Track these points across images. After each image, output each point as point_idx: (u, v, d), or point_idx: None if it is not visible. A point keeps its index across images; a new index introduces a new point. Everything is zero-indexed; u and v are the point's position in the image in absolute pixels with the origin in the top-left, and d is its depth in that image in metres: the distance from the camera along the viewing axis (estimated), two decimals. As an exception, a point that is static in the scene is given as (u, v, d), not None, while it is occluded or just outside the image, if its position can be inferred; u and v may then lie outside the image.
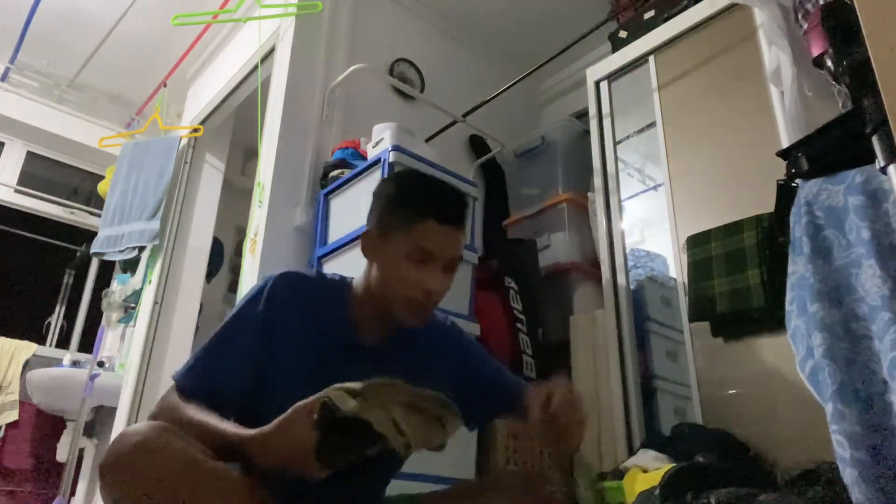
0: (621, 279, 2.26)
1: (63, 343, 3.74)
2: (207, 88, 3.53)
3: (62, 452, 3.29)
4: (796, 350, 1.31)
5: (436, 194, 1.17)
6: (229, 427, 0.98)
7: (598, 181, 2.45)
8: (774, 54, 1.78)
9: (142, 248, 3.29)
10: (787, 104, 1.70)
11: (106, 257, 3.37)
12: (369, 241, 1.19)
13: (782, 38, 1.71)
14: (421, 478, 1.64)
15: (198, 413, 1.02)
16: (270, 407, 0.97)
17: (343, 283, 1.23)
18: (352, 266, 2.14)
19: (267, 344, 1.12)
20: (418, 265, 1.12)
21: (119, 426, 2.96)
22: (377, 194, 1.23)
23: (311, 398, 0.92)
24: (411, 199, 1.16)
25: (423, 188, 1.19)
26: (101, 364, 3.32)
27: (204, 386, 1.09)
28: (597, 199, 2.44)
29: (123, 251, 3.25)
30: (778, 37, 1.72)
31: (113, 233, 3.32)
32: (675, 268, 2.10)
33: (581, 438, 1.01)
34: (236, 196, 3.85)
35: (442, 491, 1.24)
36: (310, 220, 2.45)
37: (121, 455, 0.87)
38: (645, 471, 1.63)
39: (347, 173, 2.35)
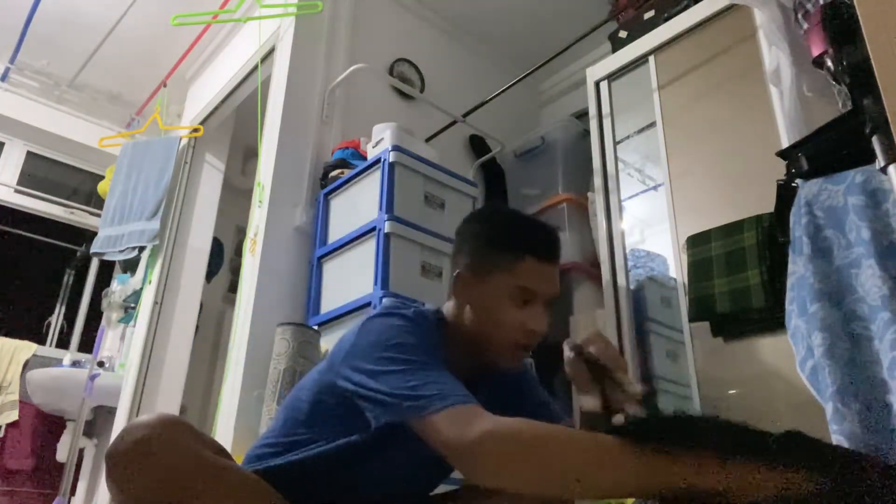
0: (621, 279, 2.26)
1: (63, 343, 3.74)
2: (207, 88, 3.53)
3: (62, 452, 3.29)
4: (796, 350, 1.31)
5: (534, 232, 1.14)
6: None
7: (598, 181, 2.45)
8: (774, 54, 1.78)
9: (142, 248, 3.29)
10: (786, 104, 1.69)
11: (106, 257, 3.37)
12: (464, 284, 1.13)
13: (781, 39, 1.71)
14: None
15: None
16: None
17: (437, 318, 1.15)
18: (351, 266, 2.15)
19: None
20: (521, 306, 1.09)
21: (119, 426, 2.96)
22: (466, 234, 1.19)
23: None
24: (509, 238, 1.12)
25: (519, 227, 1.16)
26: (101, 364, 3.32)
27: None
28: (597, 199, 2.44)
29: (123, 251, 3.25)
30: (777, 37, 1.72)
31: (113, 233, 3.32)
32: (675, 268, 2.10)
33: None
34: (236, 196, 3.85)
35: (454, 491, 1.23)
36: (310, 220, 2.45)
37: (128, 447, 0.88)
38: (645, 471, 1.63)
39: (347, 173, 2.35)
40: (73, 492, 3.19)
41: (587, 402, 1.05)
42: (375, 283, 1.95)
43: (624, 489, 0.77)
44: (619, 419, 0.96)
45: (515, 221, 1.18)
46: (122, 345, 3.52)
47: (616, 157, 2.44)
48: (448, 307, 1.17)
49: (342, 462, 1.04)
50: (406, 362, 0.95)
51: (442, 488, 1.27)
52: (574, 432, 0.89)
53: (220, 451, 1.00)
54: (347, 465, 1.05)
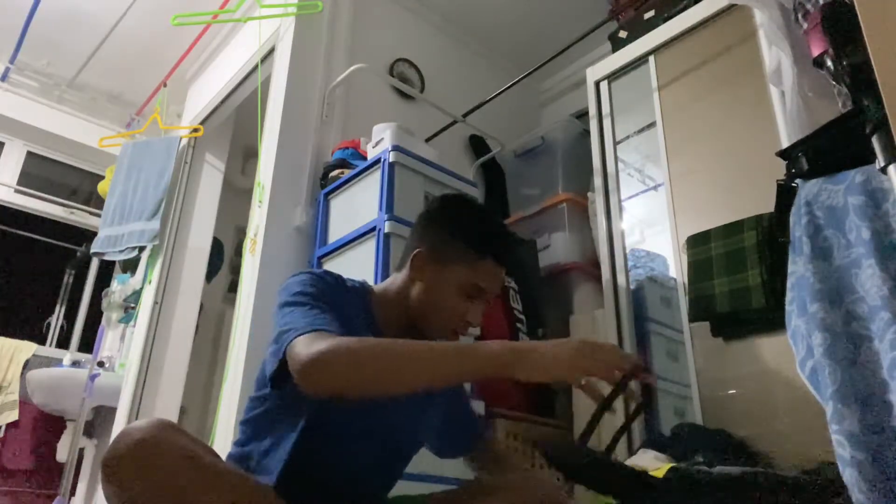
0: (621, 279, 2.26)
1: (63, 343, 3.74)
2: (207, 88, 3.53)
3: (62, 452, 3.29)
4: (796, 350, 1.31)
5: (499, 236, 1.22)
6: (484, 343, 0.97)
7: (598, 181, 2.45)
8: (774, 54, 1.77)
9: (142, 248, 3.29)
10: (787, 104, 1.69)
11: (106, 257, 3.37)
12: (422, 262, 1.19)
13: (782, 39, 1.71)
14: (424, 478, 1.64)
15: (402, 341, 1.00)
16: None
17: (364, 289, 1.24)
18: (352, 265, 2.15)
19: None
20: (468, 299, 1.17)
21: (119, 426, 2.96)
22: (435, 218, 1.25)
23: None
24: (476, 236, 1.19)
25: (487, 226, 1.22)
26: (101, 364, 3.32)
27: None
28: (597, 199, 2.44)
29: (123, 251, 3.25)
30: (778, 37, 1.72)
31: (113, 233, 3.32)
32: (675, 268, 2.10)
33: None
34: (236, 196, 3.85)
35: (450, 491, 1.23)
36: (310, 220, 2.45)
37: (122, 453, 0.88)
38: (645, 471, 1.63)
39: (347, 173, 2.35)
40: (73, 492, 3.19)
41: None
42: (375, 283, 1.95)
43: (434, 377, 0.93)
44: None
45: (485, 222, 1.24)
46: (122, 345, 3.52)
47: (616, 157, 2.44)
48: (395, 278, 1.24)
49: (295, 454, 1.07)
50: (293, 304, 1.05)
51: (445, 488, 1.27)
52: (384, 341, 1.02)
53: (214, 455, 1.00)
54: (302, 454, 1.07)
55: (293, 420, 1.08)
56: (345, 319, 1.06)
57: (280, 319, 1.04)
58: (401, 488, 1.26)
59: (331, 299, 1.08)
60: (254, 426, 1.15)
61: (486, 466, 1.33)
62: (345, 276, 1.26)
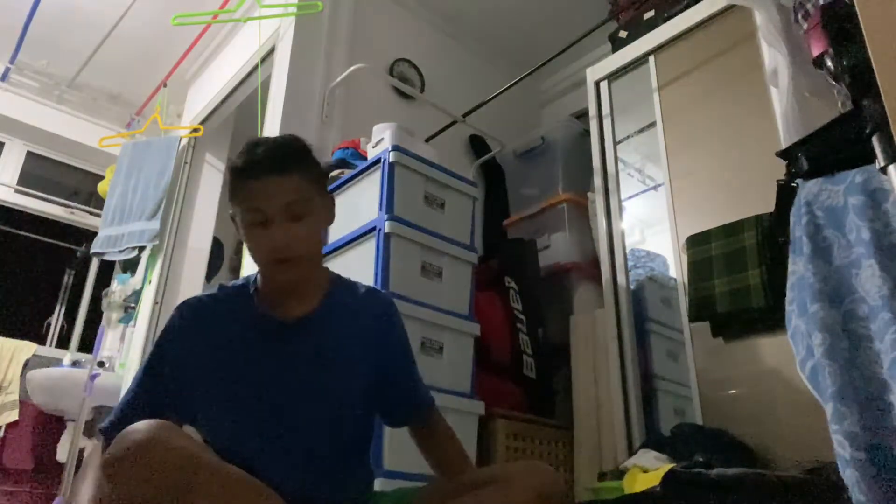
0: (621, 279, 2.26)
1: (63, 343, 3.74)
2: (207, 88, 3.53)
3: (62, 452, 3.28)
4: (796, 350, 1.31)
5: (248, 152, 1.13)
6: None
7: (598, 181, 2.45)
8: (773, 55, 1.78)
9: (142, 248, 3.29)
10: (783, 105, 1.70)
11: (106, 257, 3.37)
12: (233, 224, 1.18)
13: (779, 40, 1.71)
14: (421, 478, 1.64)
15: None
16: (209, 410, 1.12)
17: (246, 282, 1.23)
18: (352, 265, 2.15)
19: (182, 369, 1.15)
20: (260, 228, 1.10)
21: (119, 426, 2.96)
22: None
23: None
24: (234, 166, 1.14)
25: (241, 151, 1.15)
26: (101, 364, 3.31)
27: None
28: (597, 199, 2.44)
29: (123, 251, 3.25)
30: (774, 38, 1.72)
31: (113, 233, 3.32)
32: (675, 268, 2.10)
33: None
34: (236, 196, 3.85)
35: (445, 483, 1.19)
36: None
37: (123, 452, 0.88)
38: (645, 471, 1.63)
39: (347, 173, 2.34)
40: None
41: None
42: (375, 284, 1.95)
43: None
44: None
45: (243, 148, 1.16)
46: (122, 345, 3.51)
47: (616, 157, 2.44)
48: None
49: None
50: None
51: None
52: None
53: (214, 454, 1.00)
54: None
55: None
56: (223, 328, 1.15)
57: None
58: (394, 487, 1.25)
59: (168, 350, 1.16)
60: None
61: (424, 446, 1.26)
62: (344, 275, 1.27)
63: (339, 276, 1.29)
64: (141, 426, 0.91)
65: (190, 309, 1.20)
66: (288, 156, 1.14)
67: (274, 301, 1.17)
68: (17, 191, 3.92)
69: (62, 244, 4.08)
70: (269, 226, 1.10)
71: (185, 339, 1.17)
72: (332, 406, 1.15)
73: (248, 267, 2.36)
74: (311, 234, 1.15)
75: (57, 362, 3.46)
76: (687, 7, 2.28)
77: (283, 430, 1.10)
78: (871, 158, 1.18)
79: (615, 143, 2.46)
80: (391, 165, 2.12)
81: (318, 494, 1.10)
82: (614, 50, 2.56)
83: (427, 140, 2.64)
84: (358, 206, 2.22)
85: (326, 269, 1.28)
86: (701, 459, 1.56)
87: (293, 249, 1.11)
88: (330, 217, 1.27)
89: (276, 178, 1.10)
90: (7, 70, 3.73)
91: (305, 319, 1.17)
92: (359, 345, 1.19)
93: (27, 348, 3.50)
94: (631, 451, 1.95)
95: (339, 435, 1.16)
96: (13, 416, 3.31)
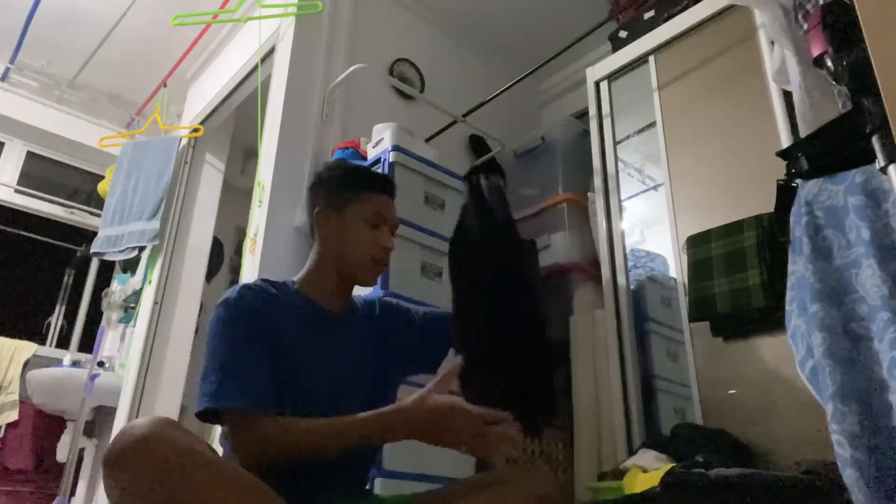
0: (621, 279, 2.26)
1: (63, 343, 3.74)
2: (207, 88, 3.53)
3: (62, 452, 3.29)
4: (796, 350, 1.31)
5: (376, 174, 1.46)
6: (345, 419, 1.09)
7: (598, 181, 2.45)
8: (778, 53, 1.77)
9: (142, 248, 3.29)
10: (796, 103, 1.68)
11: (106, 257, 3.37)
12: (324, 217, 1.35)
13: (786, 37, 1.70)
14: (420, 478, 1.64)
15: (304, 421, 1.10)
16: (298, 396, 1.16)
17: (289, 284, 1.34)
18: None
19: (271, 345, 1.19)
20: (374, 229, 1.33)
21: (119, 426, 2.96)
22: (319, 182, 1.41)
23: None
24: (359, 178, 1.39)
25: (362, 171, 1.45)
26: (101, 364, 3.32)
27: (266, 398, 1.13)
28: (597, 199, 2.44)
29: (123, 251, 3.25)
30: (781, 35, 1.71)
31: (113, 233, 3.32)
32: (675, 268, 2.10)
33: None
34: (236, 196, 3.85)
35: (442, 488, 1.22)
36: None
37: (124, 449, 0.88)
38: (645, 471, 1.63)
39: (347, 173, 2.34)
40: (73, 492, 3.19)
41: None
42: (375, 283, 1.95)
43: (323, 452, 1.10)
44: None
45: (358, 169, 1.49)
46: (122, 345, 3.52)
47: (616, 157, 2.44)
48: (310, 256, 1.38)
49: None
50: (212, 350, 1.18)
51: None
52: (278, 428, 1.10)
53: (214, 452, 1.00)
54: None
55: None
56: (273, 327, 1.20)
57: (207, 354, 1.18)
58: (397, 488, 1.25)
59: (250, 328, 1.19)
60: None
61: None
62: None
63: None
64: (142, 422, 0.92)
65: (256, 291, 1.25)
66: (395, 190, 1.43)
67: (321, 297, 1.32)
68: (17, 191, 3.92)
69: (62, 244, 4.08)
70: (381, 232, 1.34)
71: (262, 315, 1.21)
72: (368, 391, 1.28)
73: (248, 268, 2.36)
74: None
75: (57, 362, 3.46)
76: (687, 7, 2.28)
77: (331, 411, 1.15)
78: (871, 158, 1.18)
79: (615, 143, 2.46)
80: (391, 165, 2.12)
81: (346, 479, 1.23)
82: (614, 50, 2.56)
83: (427, 140, 2.64)
84: (358, 206, 2.22)
85: None
86: (701, 459, 1.56)
87: (389, 256, 1.36)
88: None
89: (392, 200, 1.40)
90: (7, 70, 3.73)
91: (346, 313, 1.35)
92: (373, 342, 1.36)
93: (27, 348, 3.50)
94: (631, 451, 1.94)
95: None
96: (13, 416, 3.31)
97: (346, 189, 1.36)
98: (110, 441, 0.91)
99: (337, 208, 1.35)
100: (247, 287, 1.25)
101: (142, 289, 3.28)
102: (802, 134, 1.67)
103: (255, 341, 1.17)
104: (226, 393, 1.10)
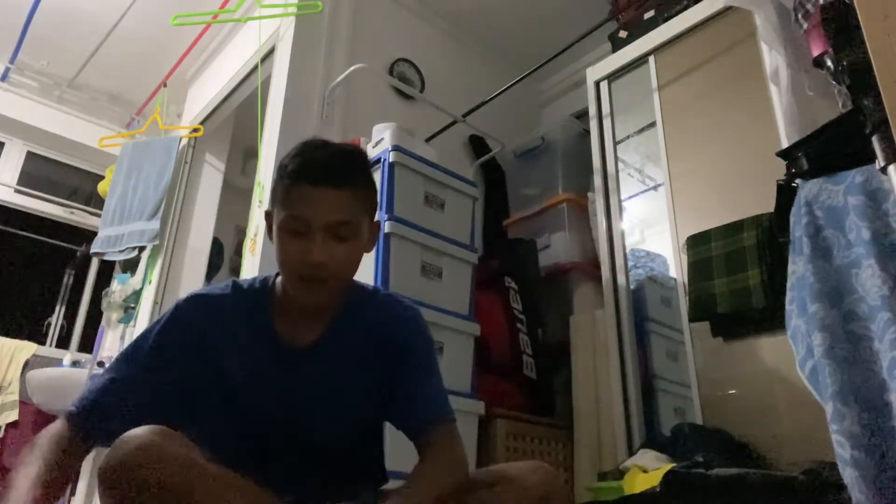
0: (621, 279, 2.26)
1: (63, 343, 3.74)
2: (207, 88, 3.53)
3: (62, 452, 3.28)
4: (796, 350, 1.31)
5: (309, 154, 1.06)
6: None
7: (598, 181, 2.45)
8: (774, 55, 1.78)
9: (142, 248, 3.28)
10: (784, 105, 1.70)
11: (106, 257, 3.37)
12: (268, 221, 1.11)
13: (777, 41, 1.72)
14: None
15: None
16: (203, 417, 1.08)
17: (264, 286, 1.16)
18: (352, 266, 2.15)
19: (182, 367, 1.10)
20: (296, 236, 1.03)
21: (119, 426, 2.96)
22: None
23: None
24: (287, 164, 1.06)
25: (298, 151, 1.08)
26: (101, 364, 3.31)
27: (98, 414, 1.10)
28: (597, 199, 2.44)
29: (123, 251, 3.25)
30: (773, 38, 1.73)
31: (113, 233, 3.32)
32: (675, 268, 2.10)
33: None
34: (236, 196, 3.85)
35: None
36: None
37: (120, 459, 0.85)
38: (645, 471, 1.63)
39: (347, 173, 2.34)
40: (72, 492, 3.19)
41: None
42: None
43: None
44: None
45: (300, 147, 1.09)
46: (122, 345, 3.51)
47: (616, 157, 2.44)
48: None
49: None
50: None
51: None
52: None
53: (213, 460, 0.98)
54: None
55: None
56: (235, 334, 1.10)
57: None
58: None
59: (169, 343, 1.10)
60: None
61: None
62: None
63: (354, 289, 1.19)
64: (138, 432, 0.88)
65: (199, 304, 1.13)
66: (348, 168, 1.06)
67: (287, 317, 1.12)
68: (17, 191, 3.92)
69: (62, 244, 4.08)
70: (308, 238, 1.03)
71: (191, 335, 1.11)
72: (335, 433, 1.13)
73: (248, 268, 2.36)
74: (350, 258, 1.07)
75: (57, 362, 3.46)
76: (687, 7, 2.28)
77: (287, 450, 1.10)
78: (871, 158, 1.18)
79: (615, 143, 2.46)
80: (391, 165, 2.12)
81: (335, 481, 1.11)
82: (614, 50, 2.56)
83: (427, 140, 2.64)
84: (358, 206, 2.22)
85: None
86: (701, 459, 1.56)
87: (328, 269, 1.04)
88: (371, 245, 1.16)
89: (332, 190, 1.03)
90: (7, 70, 3.73)
91: (314, 345, 1.12)
92: (365, 369, 1.13)
93: (27, 348, 3.50)
94: (631, 451, 1.95)
95: (339, 456, 1.15)
96: (13, 416, 3.31)
97: (278, 182, 1.08)
98: (105, 454, 0.87)
99: (270, 210, 1.11)
100: (194, 298, 1.15)
101: (142, 289, 3.28)
102: (788, 136, 1.67)
103: (145, 360, 1.09)
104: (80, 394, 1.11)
